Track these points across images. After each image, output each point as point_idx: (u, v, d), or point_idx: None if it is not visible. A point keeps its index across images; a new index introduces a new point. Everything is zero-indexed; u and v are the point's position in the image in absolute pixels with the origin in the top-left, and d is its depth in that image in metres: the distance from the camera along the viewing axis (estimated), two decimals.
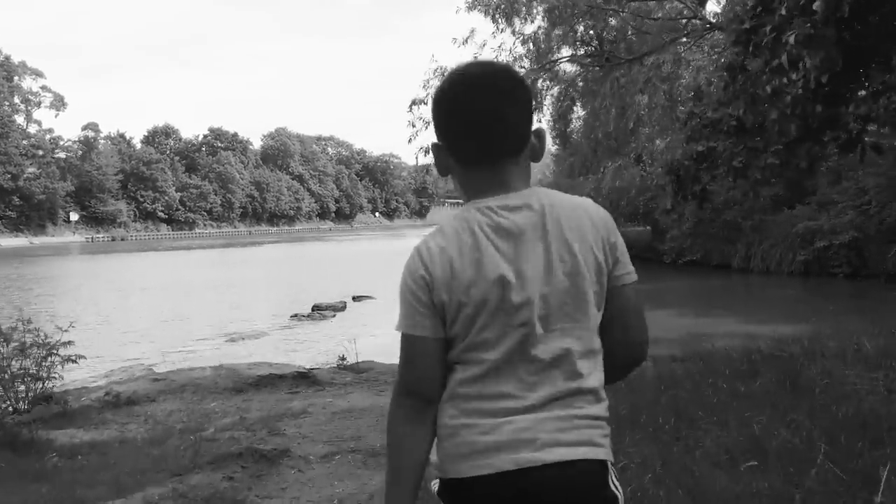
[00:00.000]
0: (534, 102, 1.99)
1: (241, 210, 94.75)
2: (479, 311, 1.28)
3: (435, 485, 1.36)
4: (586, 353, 1.32)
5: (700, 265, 24.12)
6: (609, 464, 1.32)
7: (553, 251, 1.29)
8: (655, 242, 27.79)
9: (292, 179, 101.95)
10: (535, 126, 1.36)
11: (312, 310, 15.89)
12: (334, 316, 15.50)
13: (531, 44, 13.54)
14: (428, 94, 11.49)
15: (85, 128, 79.03)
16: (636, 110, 25.34)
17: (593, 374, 1.32)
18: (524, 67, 14.53)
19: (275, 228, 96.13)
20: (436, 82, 11.45)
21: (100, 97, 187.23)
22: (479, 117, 1.32)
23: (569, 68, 22.31)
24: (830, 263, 20.36)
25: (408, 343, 1.33)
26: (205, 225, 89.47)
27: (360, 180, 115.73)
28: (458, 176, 1.38)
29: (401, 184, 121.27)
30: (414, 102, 11.59)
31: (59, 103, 76.37)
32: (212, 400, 5.82)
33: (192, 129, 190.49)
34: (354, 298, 18.31)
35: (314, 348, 11.49)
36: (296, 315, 15.28)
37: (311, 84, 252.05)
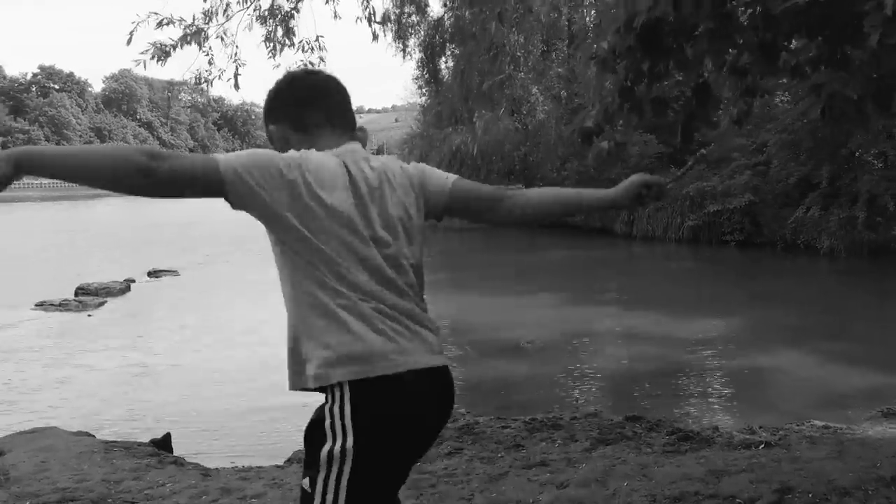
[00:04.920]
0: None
1: None
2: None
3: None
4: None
5: (578, 229, 21.39)
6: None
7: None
8: None
9: (139, 126, 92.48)
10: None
11: (75, 294, 11.47)
12: (102, 304, 10.99)
13: None
14: None
15: None
16: (510, 52, 22.20)
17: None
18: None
19: None
20: None
21: None
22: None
23: (437, 8, 18.57)
24: (722, 230, 18.23)
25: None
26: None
27: (218, 130, 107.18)
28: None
29: (263, 135, 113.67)
30: None
31: None
32: None
33: (19, 67, 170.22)
34: (150, 274, 13.97)
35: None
36: (43, 303, 10.74)
37: None
